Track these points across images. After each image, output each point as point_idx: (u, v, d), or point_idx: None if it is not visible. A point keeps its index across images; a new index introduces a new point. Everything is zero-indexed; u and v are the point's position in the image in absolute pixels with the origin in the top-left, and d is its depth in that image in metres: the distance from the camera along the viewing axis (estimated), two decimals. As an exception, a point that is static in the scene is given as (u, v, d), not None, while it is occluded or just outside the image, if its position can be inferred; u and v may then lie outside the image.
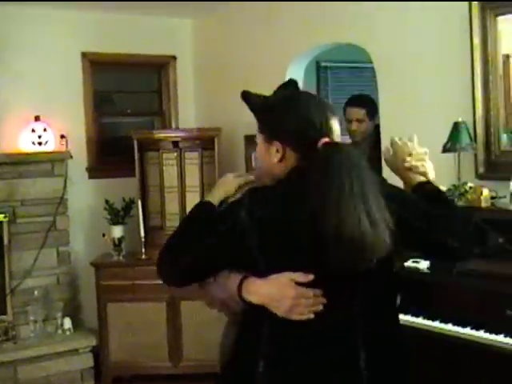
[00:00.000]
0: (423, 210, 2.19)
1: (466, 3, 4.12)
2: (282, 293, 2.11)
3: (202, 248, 2.19)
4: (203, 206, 2.41)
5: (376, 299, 2.16)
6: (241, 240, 2.11)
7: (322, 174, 2.03)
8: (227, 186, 2.48)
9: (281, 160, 2.20)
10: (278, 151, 2.20)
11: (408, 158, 2.41)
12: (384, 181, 2.27)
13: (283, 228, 2.07)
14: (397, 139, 2.47)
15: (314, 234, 2.00)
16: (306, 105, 2.21)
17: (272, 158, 2.21)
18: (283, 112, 2.21)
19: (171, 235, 2.31)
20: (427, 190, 2.36)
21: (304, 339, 2.13)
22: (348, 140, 5.30)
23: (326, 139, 2.15)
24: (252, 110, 2.32)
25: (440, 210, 2.23)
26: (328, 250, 1.99)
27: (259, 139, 2.30)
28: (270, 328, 2.15)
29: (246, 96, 2.32)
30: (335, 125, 2.22)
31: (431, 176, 2.42)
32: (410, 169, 2.41)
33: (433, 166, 2.46)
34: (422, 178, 2.41)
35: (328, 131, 2.18)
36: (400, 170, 2.44)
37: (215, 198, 2.43)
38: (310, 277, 2.08)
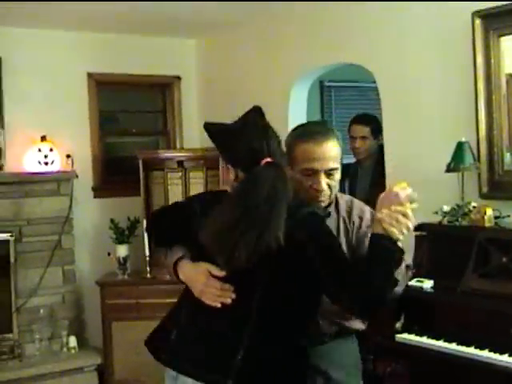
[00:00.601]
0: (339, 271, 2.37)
1: (469, 23, 4.15)
2: (196, 277, 2.52)
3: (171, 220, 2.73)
4: None
5: (272, 311, 2.43)
6: (190, 223, 2.57)
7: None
8: None
9: (235, 179, 2.52)
10: (231, 173, 2.53)
11: (384, 211, 2.31)
12: (323, 223, 2.51)
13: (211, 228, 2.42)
14: (399, 188, 2.35)
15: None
16: (249, 135, 2.49)
17: (230, 178, 2.55)
18: (231, 145, 2.53)
19: None
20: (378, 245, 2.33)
21: (204, 322, 2.50)
22: (352, 159, 5.34)
23: (268, 159, 2.42)
24: (212, 141, 2.61)
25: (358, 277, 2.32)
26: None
27: (221, 163, 2.70)
28: (188, 303, 2.57)
29: (208, 128, 2.61)
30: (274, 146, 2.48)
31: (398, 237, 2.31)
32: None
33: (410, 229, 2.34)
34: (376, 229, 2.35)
35: (268, 151, 2.44)
36: (377, 209, 2.38)
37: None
38: (222, 273, 2.45)
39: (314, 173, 2.68)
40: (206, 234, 2.41)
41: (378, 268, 2.29)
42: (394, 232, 2.27)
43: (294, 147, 2.74)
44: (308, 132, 2.77)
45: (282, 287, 2.42)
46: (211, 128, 2.60)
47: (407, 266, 2.71)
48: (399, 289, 2.70)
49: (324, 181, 2.69)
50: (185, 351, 2.51)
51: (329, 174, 2.70)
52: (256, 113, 2.54)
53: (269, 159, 2.42)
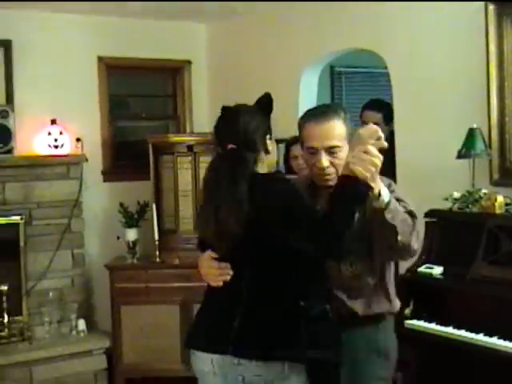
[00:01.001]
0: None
1: (483, 10, 4.13)
2: (201, 264, 2.77)
3: None
4: None
5: (262, 277, 2.59)
6: None
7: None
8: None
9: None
10: None
11: (350, 154, 2.44)
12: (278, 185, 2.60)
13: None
14: (362, 129, 2.47)
15: None
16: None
17: None
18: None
19: None
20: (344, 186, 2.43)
21: (211, 302, 2.74)
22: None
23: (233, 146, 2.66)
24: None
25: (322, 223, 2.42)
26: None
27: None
28: (206, 290, 2.78)
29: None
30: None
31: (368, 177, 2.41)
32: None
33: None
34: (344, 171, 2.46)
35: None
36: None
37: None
38: (217, 254, 2.69)
39: (316, 151, 2.74)
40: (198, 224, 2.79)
41: (338, 206, 2.40)
42: (360, 170, 2.35)
43: (301, 128, 2.85)
44: (311, 112, 2.86)
45: (266, 254, 2.57)
46: None
47: (409, 213, 2.66)
48: (413, 243, 2.66)
49: (325, 158, 2.72)
50: (198, 330, 2.76)
51: (330, 151, 2.72)
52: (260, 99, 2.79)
53: (232, 145, 2.66)
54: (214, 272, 2.68)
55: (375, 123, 5.00)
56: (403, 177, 4.66)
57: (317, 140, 2.73)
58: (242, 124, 2.67)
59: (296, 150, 4.35)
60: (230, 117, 2.75)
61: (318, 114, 2.80)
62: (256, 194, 2.52)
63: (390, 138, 4.99)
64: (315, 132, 2.75)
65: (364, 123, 5.13)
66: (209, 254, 2.72)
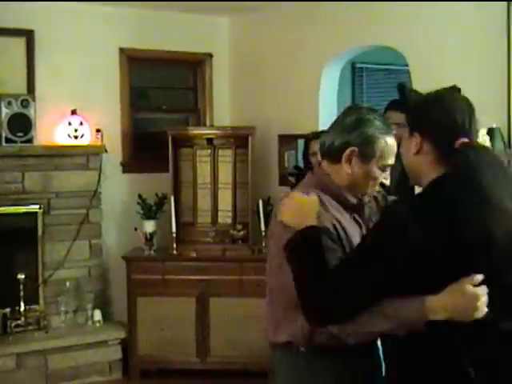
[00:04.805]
0: None
1: (505, 9, 4.10)
2: (470, 299, 2.15)
3: (370, 278, 2.19)
4: (316, 233, 2.33)
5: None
6: (410, 260, 2.13)
7: (469, 179, 2.14)
8: (314, 207, 2.40)
9: (417, 152, 2.28)
10: (416, 143, 2.28)
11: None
12: None
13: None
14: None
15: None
16: (450, 100, 2.28)
17: (410, 151, 2.30)
18: (428, 105, 2.30)
19: (315, 275, 2.26)
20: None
21: (494, 330, 2.19)
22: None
23: (465, 139, 2.21)
24: (403, 103, 2.43)
25: None
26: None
27: (404, 134, 2.38)
28: (460, 338, 2.17)
29: (402, 89, 2.44)
30: (477, 126, 2.28)
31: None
32: None
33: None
34: None
35: (468, 131, 2.24)
36: None
37: (312, 220, 2.35)
38: (480, 277, 2.13)
39: (387, 168, 2.55)
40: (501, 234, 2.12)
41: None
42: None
43: (375, 142, 2.50)
44: (386, 125, 2.56)
45: None
46: (405, 89, 2.45)
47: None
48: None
49: None
50: None
51: None
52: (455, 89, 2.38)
53: (466, 139, 2.22)
54: (485, 300, 2.16)
55: (399, 124, 5.02)
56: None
57: (392, 158, 2.54)
58: None
59: (316, 145, 4.33)
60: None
61: (390, 128, 2.57)
62: None
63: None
64: (394, 150, 2.54)
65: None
66: (468, 282, 2.14)
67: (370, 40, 5.31)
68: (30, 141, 5.63)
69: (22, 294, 5.60)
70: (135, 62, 6.47)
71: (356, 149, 2.48)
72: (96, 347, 5.71)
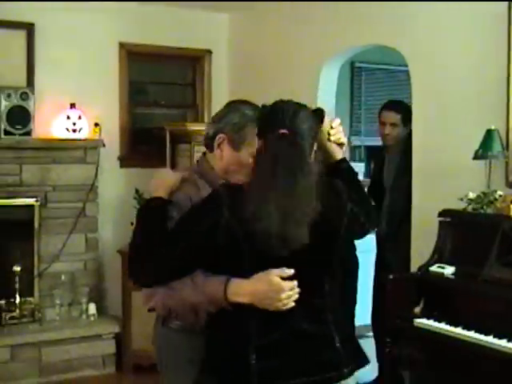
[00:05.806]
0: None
1: (506, 10, 4.11)
2: (275, 289, 2.30)
3: (180, 248, 2.35)
4: (160, 203, 2.54)
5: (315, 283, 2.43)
6: (225, 238, 2.31)
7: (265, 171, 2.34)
8: (170, 181, 2.61)
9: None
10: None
11: (332, 131, 2.63)
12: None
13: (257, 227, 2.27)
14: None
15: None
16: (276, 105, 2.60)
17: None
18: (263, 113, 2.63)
19: (141, 237, 2.51)
20: (344, 168, 2.66)
21: (287, 326, 2.36)
22: (379, 143, 5.32)
23: (284, 130, 2.38)
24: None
25: (357, 194, 2.58)
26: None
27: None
28: (257, 324, 2.35)
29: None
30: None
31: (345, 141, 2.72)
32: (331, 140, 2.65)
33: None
34: (340, 155, 2.67)
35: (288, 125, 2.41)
36: (324, 143, 2.63)
37: (162, 192, 2.56)
38: (291, 271, 2.31)
39: None
40: (265, 228, 2.25)
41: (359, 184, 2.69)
42: (345, 143, 2.72)
43: (244, 126, 2.73)
44: None
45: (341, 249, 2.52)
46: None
47: None
48: None
49: None
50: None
51: None
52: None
53: (285, 131, 2.38)
54: (293, 293, 2.33)
55: (393, 124, 5.05)
56: (419, 176, 4.65)
57: None
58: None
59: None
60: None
61: None
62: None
63: (408, 139, 4.98)
64: None
65: (382, 123, 5.12)
66: (276, 274, 2.31)
67: (369, 39, 5.31)
68: (28, 133, 5.64)
69: (17, 286, 5.61)
70: (134, 57, 6.48)
71: (224, 135, 2.66)
72: (90, 341, 5.72)
